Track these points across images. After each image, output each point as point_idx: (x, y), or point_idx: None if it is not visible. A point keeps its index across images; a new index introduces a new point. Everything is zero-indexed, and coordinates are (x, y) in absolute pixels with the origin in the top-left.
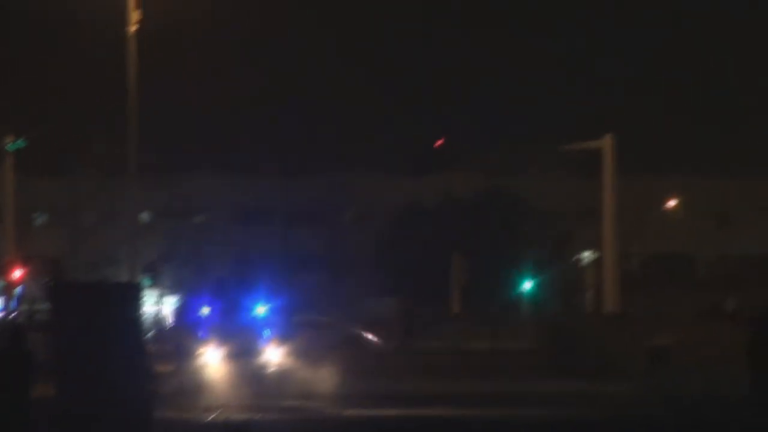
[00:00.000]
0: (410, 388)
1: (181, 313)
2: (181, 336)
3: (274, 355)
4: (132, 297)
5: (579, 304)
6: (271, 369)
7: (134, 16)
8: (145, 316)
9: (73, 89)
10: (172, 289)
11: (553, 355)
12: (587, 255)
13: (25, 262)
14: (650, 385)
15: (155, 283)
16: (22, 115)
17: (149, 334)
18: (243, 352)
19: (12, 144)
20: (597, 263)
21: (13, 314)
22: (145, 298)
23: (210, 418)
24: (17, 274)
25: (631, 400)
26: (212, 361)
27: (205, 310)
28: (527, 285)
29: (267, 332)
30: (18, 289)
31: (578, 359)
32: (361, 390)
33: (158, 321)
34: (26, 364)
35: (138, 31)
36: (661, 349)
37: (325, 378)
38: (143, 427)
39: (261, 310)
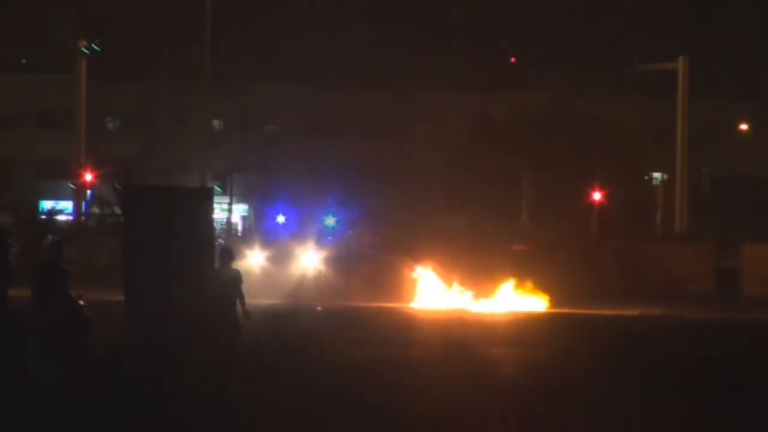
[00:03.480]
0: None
1: (256, 219)
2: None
3: (313, 262)
4: (203, 202)
5: (648, 224)
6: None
7: None
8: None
9: None
10: (241, 198)
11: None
12: (658, 176)
13: (96, 165)
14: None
15: (224, 191)
16: (98, 20)
17: (218, 240)
18: (281, 258)
19: (85, 47)
20: (667, 184)
21: (84, 217)
22: (215, 205)
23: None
24: (88, 177)
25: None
26: (253, 262)
27: (281, 218)
28: (596, 202)
29: (323, 241)
30: (88, 192)
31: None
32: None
33: (226, 228)
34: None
35: None
36: (729, 271)
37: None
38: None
39: (329, 221)
